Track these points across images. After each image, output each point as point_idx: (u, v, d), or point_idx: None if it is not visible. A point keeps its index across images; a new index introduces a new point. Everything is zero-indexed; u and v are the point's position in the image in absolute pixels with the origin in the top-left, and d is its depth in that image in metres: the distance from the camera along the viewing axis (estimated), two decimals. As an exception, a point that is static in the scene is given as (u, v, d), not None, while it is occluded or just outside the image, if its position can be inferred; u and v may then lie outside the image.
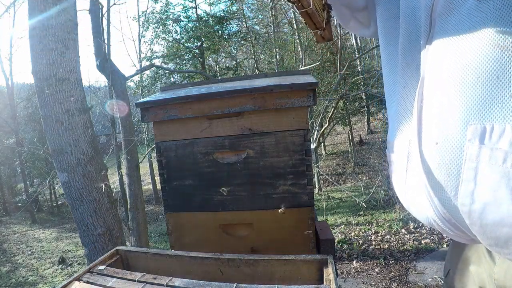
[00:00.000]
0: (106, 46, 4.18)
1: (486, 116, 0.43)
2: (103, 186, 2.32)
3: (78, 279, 0.71)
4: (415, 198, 0.56)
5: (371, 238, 4.31)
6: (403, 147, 0.58)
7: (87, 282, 0.69)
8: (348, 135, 12.87)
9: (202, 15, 11.80)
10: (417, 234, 4.13)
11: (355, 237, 4.45)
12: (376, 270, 3.30)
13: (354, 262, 3.55)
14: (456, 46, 0.48)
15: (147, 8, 12.76)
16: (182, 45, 11.67)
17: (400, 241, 4.01)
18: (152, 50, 11.88)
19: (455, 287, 0.64)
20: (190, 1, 11.71)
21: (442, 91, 0.49)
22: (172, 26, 11.56)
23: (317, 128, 6.99)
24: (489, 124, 0.42)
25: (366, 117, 14.68)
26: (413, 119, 0.54)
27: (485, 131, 0.43)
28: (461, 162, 0.45)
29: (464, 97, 0.45)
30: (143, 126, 10.58)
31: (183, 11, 11.74)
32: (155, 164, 11.64)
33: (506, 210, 0.40)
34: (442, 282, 0.70)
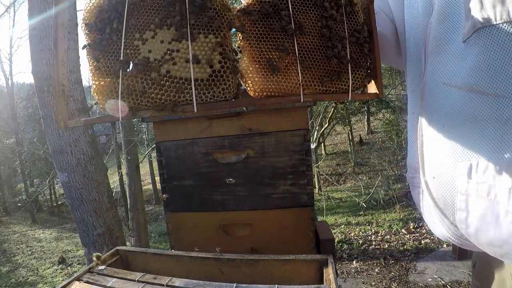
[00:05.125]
0: (106, 46, 4.17)
1: (472, 154, 0.49)
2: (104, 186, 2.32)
3: (78, 279, 0.71)
4: (431, 218, 0.63)
5: (371, 238, 4.31)
6: (416, 171, 0.65)
7: (87, 282, 0.69)
8: (348, 135, 12.87)
9: (202, 15, 11.78)
10: (417, 234, 4.13)
11: (355, 237, 4.45)
12: (376, 270, 3.30)
13: (354, 262, 3.55)
14: (443, 88, 0.53)
15: (147, 8, 12.72)
16: (182, 45, 11.66)
17: (400, 241, 4.01)
18: (152, 50, 11.86)
19: (481, 279, 0.69)
20: (190, 1, 11.70)
21: (434, 132, 0.56)
22: (172, 26, 11.55)
23: (317, 128, 6.99)
24: (474, 161, 0.49)
25: (366, 117, 14.68)
26: (418, 151, 0.61)
27: (471, 167, 0.49)
28: (455, 194, 0.52)
29: (452, 138, 0.52)
30: (143, 126, 10.57)
31: (183, 11, 11.73)
32: (155, 164, 11.63)
33: (493, 234, 0.48)
34: (470, 273, 0.77)
